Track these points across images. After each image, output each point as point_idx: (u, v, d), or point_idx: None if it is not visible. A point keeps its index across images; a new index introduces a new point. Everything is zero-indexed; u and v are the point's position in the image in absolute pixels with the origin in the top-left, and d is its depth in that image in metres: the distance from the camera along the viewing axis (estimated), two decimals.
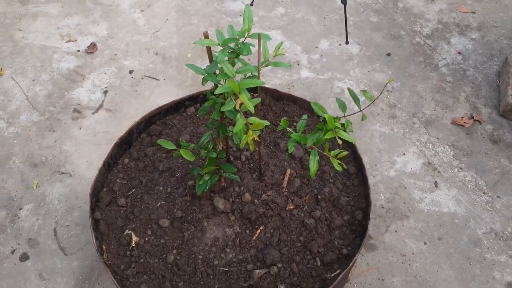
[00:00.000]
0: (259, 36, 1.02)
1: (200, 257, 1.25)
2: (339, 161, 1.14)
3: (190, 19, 2.82)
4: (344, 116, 1.15)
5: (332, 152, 1.14)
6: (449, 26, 2.77)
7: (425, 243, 1.93)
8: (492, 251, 1.90)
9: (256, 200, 1.33)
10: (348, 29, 2.64)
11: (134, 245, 1.27)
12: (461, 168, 2.15)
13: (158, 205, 1.35)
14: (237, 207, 1.32)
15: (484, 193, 2.07)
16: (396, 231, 1.96)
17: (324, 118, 1.11)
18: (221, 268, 1.24)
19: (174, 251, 1.27)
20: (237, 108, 0.95)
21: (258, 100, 1.02)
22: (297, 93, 2.38)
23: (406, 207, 2.03)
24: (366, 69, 2.53)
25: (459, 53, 2.59)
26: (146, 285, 1.23)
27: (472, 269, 1.86)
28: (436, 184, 2.10)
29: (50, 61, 2.59)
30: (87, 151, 2.20)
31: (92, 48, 2.65)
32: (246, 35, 0.98)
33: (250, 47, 1.03)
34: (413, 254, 1.90)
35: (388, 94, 2.41)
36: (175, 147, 1.16)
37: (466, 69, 2.53)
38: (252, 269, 1.23)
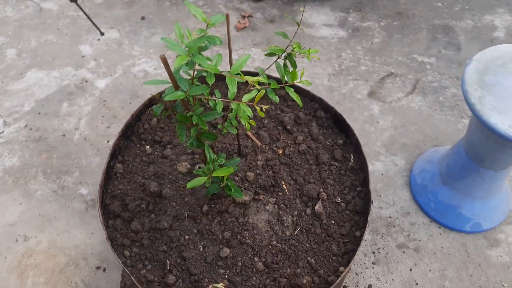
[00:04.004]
0: (227, 16, 1.06)
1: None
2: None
3: None
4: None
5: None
6: None
7: None
8: None
9: (257, 171, 1.38)
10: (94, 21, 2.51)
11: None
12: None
13: (201, 249, 1.26)
14: (254, 187, 1.35)
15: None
16: None
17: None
18: (296, 231, 1.31)
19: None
20: (256, 84, 0.99)
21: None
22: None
23: None
24: (142, 42, 2.52)
25: None
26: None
27: None
28: None
29: None
30: None
31: None
32: (207, 26, 0.97)
33: None
34: None
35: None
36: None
37: None
38: (313, 208, 1.35)
